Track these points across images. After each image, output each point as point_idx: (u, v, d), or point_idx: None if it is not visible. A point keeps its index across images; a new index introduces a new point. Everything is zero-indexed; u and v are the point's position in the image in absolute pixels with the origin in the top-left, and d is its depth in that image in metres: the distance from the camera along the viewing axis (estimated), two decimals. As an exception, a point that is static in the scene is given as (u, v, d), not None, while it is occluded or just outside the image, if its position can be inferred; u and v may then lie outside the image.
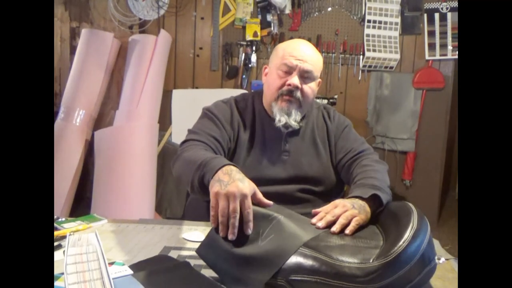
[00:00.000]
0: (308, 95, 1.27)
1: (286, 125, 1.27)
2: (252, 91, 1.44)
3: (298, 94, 1.25)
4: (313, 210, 0.96)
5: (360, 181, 1.11)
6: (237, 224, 0.83)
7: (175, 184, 2.97)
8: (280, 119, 1.25)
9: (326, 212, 0.93)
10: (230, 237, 0.82)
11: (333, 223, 0.90)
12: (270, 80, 1.29)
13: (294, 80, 1.23)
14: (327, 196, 1.30)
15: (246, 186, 0.87)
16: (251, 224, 0.84)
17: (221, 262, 0.81)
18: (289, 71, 1.24)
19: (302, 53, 1.25)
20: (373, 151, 1.32)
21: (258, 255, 0.79)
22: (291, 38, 2.88)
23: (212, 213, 0.86)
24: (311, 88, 1.27)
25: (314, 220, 0.92)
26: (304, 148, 1.32)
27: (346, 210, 0.92)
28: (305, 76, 1.25)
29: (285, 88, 1.24)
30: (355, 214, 0.91)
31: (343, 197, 1.08)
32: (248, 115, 1.33)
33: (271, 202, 0.92)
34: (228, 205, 0.84)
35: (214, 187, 0.88)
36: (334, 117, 1.38)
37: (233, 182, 0.87)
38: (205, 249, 0.84)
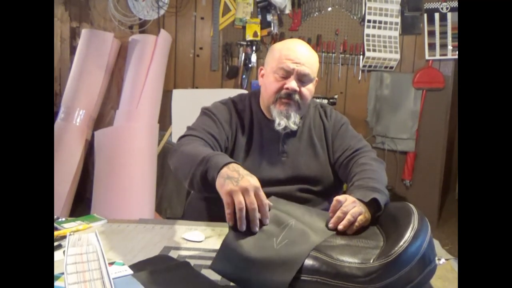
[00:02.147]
0: (306, 97, 1.27)
1: (285, 128, 1.27)
2: (250, 91, 1.43)
3: (297, 97, 1.24)
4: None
5: (358, 182, 1.11)
6: (257, 215, 0.84)
7: (175, 184, 2.98)
8: (280, 122, 1.25)
9: (338, 200, 0.94)
10: (254, 229, 0.83)
11: (342, 219, 0.91)
12: (267, 83, 1.28)
13: (292, 84, 1.23)
14: (326, 195, 1.31)
15: (256, 180, 0.89)
16: (268, 214, 0.86)
17: (241, 272, 0.80)
18: (286, 75, 1.24)
19: (299, 55, 1.24)
20: (370, 148, 1.32)
21: (276, 257, 0.78)
22: (291, 38, 2.88)
23: (228, 211, 0.85)
24: (309, 89, 1.27)
25: (330, 224, 0.91)
26: (302, 148, 1.32)
27: (355, 205, 0.93)
28: (302, 79, 1.25)
29: (283, 92, 1.24)
30: (362, 211, 0.92)
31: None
32: (246, 117, 1.32)
33: (270, 204, 0.91)
34: (244, 200, 0.84)
35: (226, 185, 0.87)
36: (331, 116, 1.38)
37: (242, 177, 0.88)
38: (221, 263, 0.83)
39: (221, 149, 1.24)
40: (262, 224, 0.85)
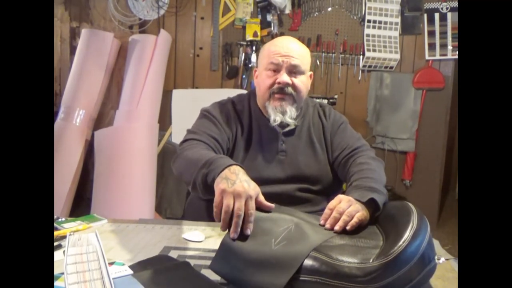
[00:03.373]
0: (300, 89, 1.27)
1: (282, 124, 1.27)
2: (248, 91, 1.43)
3: (290, 89, 1.25)
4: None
5: (356, 182, 1.10)
6: (240, 223, 0.83)
7: (175, 184, 2.98)
8: (275, 118, 1.25)
9: (331, 208, 0.94)
10: (232, 235, 0.83)
11: (339, 220, 0.90)
12: (260, 81, 1.29)
13: (284, 77, 1.23)
14: (326, 194, 1.31)
15: (252, 188, 0.89)
16: (251, 226, 0.84)
17: (237, 273, 0.80)
18: (276, 69, 1.25)
19: (286, 49, 1.25)
20: (369, 147, 1.32)
21: (273, 258, 0.78)
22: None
23: (215, 209, 0.86)
24: (302, 81, 1.27)
25: (322, 221, 0.92)
26: (301, 147, 1.32)
27: (351, 204, 0.93)
28: (293, 71, 1.25)
29: (275, 86, 1.25)
30: (359, 209, 0.92)
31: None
32: (245, 117, 1.33)
33: (272, 205, 0.92)
34: (233, 204, 0.85)
35: (221, 184, 0.88)
36: (329, 115, 1.38)
37: (240, 182, 0.88)
38: (219, 263, 0.83)
39: (223, 151, 1.25)
40: (242, 233, 0.83)
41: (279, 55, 1.24)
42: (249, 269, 0.78)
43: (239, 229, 0.83)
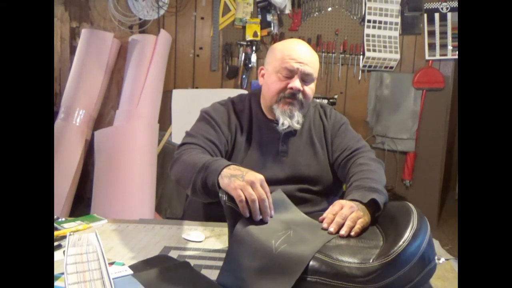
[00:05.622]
0: (309, 96, 1.28)
1: (288, 127, 1.27)
2: (249, 91, 1.43)
3: (300, 96, 1.25)
4: (320, 218, 0.95)
5: (356, 182, 1.10)
6: (267, 205, 0.89)
7: (175, 184, 2.97)
8: (284, 122, 1.25)
9: (333, 214, 0.93)
10: (267, 219, 0.88)
11: (342, 225, 0.89)
12: (270, 82, 1.27)
13: (297, 84, 1.23)
14: (326, 195, 1.31)
15: (259, 174, 0.93)
16: (272, 206, 0.91)
17: (242, 284, 0.80)
18: (290, 75, 1.24)
19: (301, 55, 1.24)
20: (369, 148, 1.32)
21: (275, 264, 0.78)
22: (291, 38, 2.88)
23: (241, 204, 0.87)
24: (311, 89, 1.28)
25: (325, 224, 0.91)
26: (301, 148, 1.32)
27: (353, 211, 0.92)
28: (305, 79, 1.25)
29: (287, 91, 1.24)
30: (361, 216, 0.91)
31: (342, 195, 1.07)
32: (245, 117, 1.32)
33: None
34: (253, 192, 0.88)
35: (233, 182, 0.90)
36: (330, 116, 1.38)
37: (247, 173, 0.92)
38: (226, 276, 0.83)
39: (221, 153, 1.25)
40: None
41: (294, 61, 1.23)
42: (252, 278, 0.78)
43: (269, 211, 0.89)
